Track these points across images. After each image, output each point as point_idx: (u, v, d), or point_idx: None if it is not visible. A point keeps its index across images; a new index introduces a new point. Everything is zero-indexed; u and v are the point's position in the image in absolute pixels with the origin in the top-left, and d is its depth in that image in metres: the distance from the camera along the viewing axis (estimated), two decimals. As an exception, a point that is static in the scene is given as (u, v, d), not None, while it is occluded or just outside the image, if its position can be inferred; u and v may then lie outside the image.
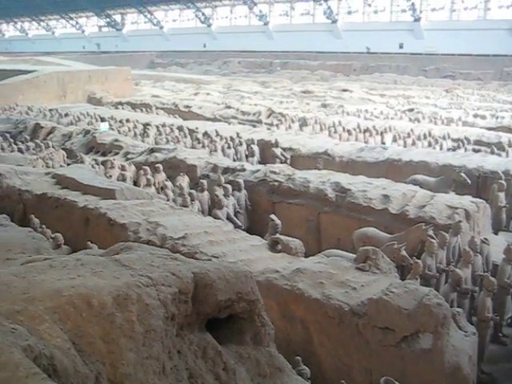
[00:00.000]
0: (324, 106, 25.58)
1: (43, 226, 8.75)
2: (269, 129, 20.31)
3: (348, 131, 19.06)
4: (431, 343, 5.75)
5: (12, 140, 18.47)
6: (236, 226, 10.17)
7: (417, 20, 48.02)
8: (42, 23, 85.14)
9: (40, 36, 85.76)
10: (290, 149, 16.19)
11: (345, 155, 14.99)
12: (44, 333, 2.43)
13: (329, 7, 53.21)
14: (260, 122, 22.49)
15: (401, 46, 48.02)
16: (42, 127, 20.14)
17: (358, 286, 6.60)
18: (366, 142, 17.81)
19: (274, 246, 7.99)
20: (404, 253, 8.05)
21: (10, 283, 2.78)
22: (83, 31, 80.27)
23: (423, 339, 5.83)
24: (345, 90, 30.49)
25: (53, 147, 16.40)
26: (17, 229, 5.88)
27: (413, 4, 47.69)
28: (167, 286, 2.86)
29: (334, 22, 53.43)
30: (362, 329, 6.10)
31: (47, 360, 2.27)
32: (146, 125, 20.49)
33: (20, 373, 1.94)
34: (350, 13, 54.22)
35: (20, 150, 16.33)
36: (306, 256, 7.94)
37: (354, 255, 7.43)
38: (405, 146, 16.87)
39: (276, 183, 11.93)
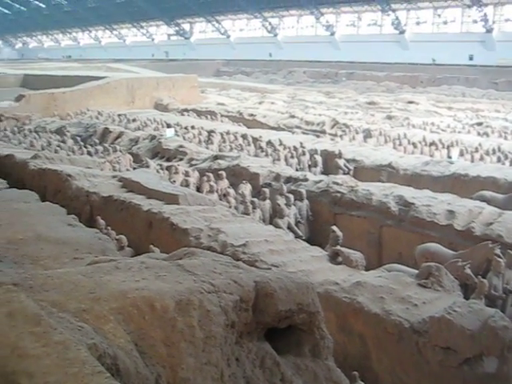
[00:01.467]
0: (389, 117, 25.21)
1: (108, 227, 8.99)
2: (332, 139, 20.19)
3: (413, 144, 18.71)
4: (496, 367, 5.53)
5: (82, 143, 19.14)
6: (297, 236, 10.13)
7: (489, 31, 46.68)
8: (114, 32, 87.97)
9: (112, 44, 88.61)
10: (354, 160, 16.02)
11: (409, 168, 14.70)
12: (108, 332, 2.49)
13: (397, 18, 52.54)
14: (324, 132, 22.39)
15: (471, 58, 46.70)
16: (111, 132, 20.76)
17: (419, 302, 6.44)
18: (431, 156, 17.41)
19: (334, 258, 7.91)
20: (469, 271, 7.80)
21: (77, 282, 2.86)
22: (153, 39, 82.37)
23: (487, 363, 5.61)
24: (411, 102, 29.94)
25: (120, 151, 16.87)
26: (84, 229, 6.06)
27: (485, 14, 46.39)
28: (229, 294, 2.87)
29: (402, 32, 52.69)
30: (422, 347, 5.94)
31: (111, 359, 2.32)
32: (210, 132, 20.77)
33: (86, 370, 1.99)
34: (418, 23, 53.32)
35: (89, 153, 16.89)
36: (367, 269, 7.82)
37: (416, 271, 7.26)
38: (472, 161, 16.37)
39: (338, 194, 11.83)
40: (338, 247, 8.13)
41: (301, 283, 3.30)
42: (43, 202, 7.34)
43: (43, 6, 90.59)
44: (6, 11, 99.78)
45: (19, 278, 2.97)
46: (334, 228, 8.94)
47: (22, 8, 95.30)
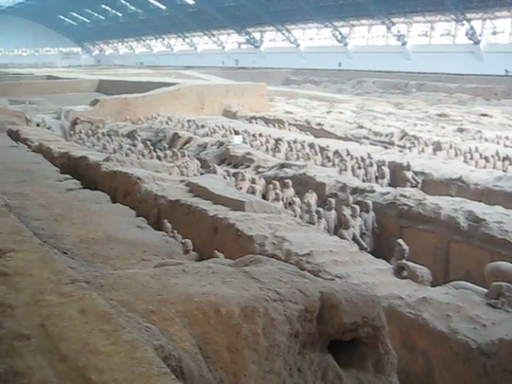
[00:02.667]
0: (460, 130, 24.50)
1: (175, 230, 9.15)
2: (401, 151, 19.83)
3: (485, 158, 18.11)
4: None
5: (152, 147, 19.62)
6: (361, 248, 10.00)
7: None
8: (186, 39, 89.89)
9: (183, 51, 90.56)
10: (422, 173, 15.67)
11: (480, 183, 14.22)
12: (174, 335, 2.53)
13: (471, 27, 51.12)
14: (392, 143, 22.03)
15: (550, 70, 44.91)
16: (180, 137, 21.19)
17: (488, 323, 6.20)
18: (504, 171, 16.78)
19: (399, 272, 7.75)
20: (542, 293, 7.46)
21: (146, 283, 2.93)
22: (223, 47, 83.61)
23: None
24: (484, 115, 28.99)
25: (188, 156, 17.18)
26: (152, 231, 6.18)
27: None
28: (294, 303, 2.86)
29: (477, 43, 51.20)
30: (490, 370, 5.70)
31: (176, 361, 2.36)
32: (277, 140, 20.84)
33: (152, 370, 2.03)
34: (494, 33, 51.65)
35: (158, 158, 17.29)
36: (433, 285, 7.61)
37: (486, 290, 7.00)
38: (549, 178, 15.69)
39: (405, 207, 11.59)
40: (404, 261, 7.96)
41: (367, 296, 3.25)
42: (114, 203, 7.54)
43: (120, 14, 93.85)
44: (86, 20, 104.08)
45: (91, 276, 3.06)
46: (400, 241, 8.76)
47: (101, 17, 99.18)
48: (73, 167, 11.33)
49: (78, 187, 8.11)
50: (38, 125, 20.76)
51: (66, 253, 4.59)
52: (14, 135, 13.58)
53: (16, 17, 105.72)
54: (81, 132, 24.34)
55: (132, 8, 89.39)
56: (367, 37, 64.82)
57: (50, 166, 9.36)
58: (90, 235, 5.26)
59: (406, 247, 8.55)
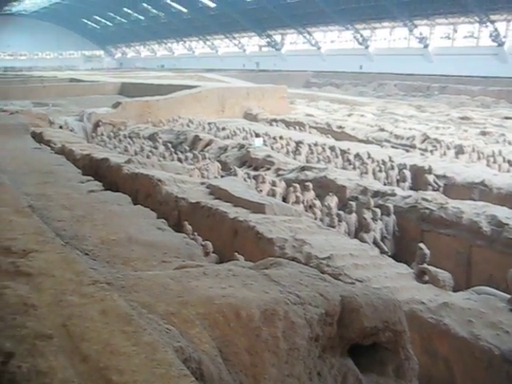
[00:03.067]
0: (483, 133, 24.21)
1: (195, 233, 9.17)
2: (422, 154, 19.65)
3: (509, 162, 17.87)
4: None
5: (173, 150, 19.74)
6: (382, 252, 9.93)
7: None
8: (207, 42, 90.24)
9: (205, 54, 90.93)
10: (444, 176, 15.52)
11: (504, 187, 14.04)
12: (194, 337, 2.54)
13: (495, 29, 50.52)
14: (414, 146, 21.85)
15: None
16: (201, 139, 21.27)
17: (511, 329, 6.12)
18: (529, 175, 16.58)
19: (420, 276, 7.67)
20: None
21: (166, 285, 2.94)
22: (244, 50, 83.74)
23: None
24: (508, 118, 28.64)
25: (209, 159, 17.24)
26: (173, 233, 6.21)
27: None
28: (314, 307, 2.85)
29: (501, 45, 50.57)
30: (513, 376, 5.64)
31: (195, 364, 2.36)
32: (298, 143, 20.81)
33: (173, 372, 2.03)
34: (519, 35, 50.99)
35: (179, 160, 17.37)
36: (454, 290, 7.53)
37: (509, 296, 6.91)
38: None
39: (427, 211, 11.49)
40: (425, 265, 7.89)
41: (388, 300, 3.23)
42: (135, 205, 7.59)
43: (142, 18, 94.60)
44: (109, 23, 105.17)
45: (112, 277, 3.08)
46: (422, 245, 8.68)
47: (123, 20, 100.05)
48: (95, 169, 11.43)
49: (100, 189, 8.17)
50: (60, 127, 21.00)
51: (87, 254, 4.63)
52: (38, 137, 13.74)
53: (41, 21, 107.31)
54: (103, 134, 24.56)
55: (154, 11, 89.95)
56: (389, 39, 64.40)
57: (72, 168, 9.45)
58: (111, 237, 5.30)
59: (427, 251, 8.48)
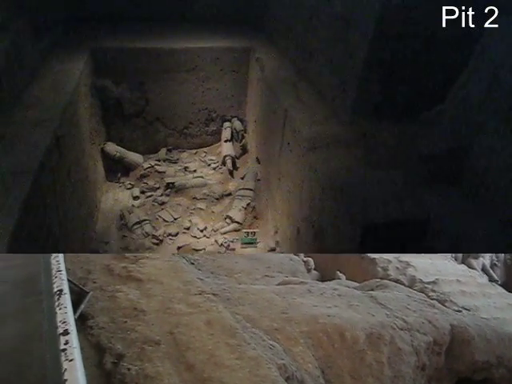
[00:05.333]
0: None
1: (297, 248, 9.14)
2: None
3: None
4: None
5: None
6: (491, 280, 9.41)
7: None
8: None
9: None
10: None
11: None
12: (297, 355, 2.51)
13: None
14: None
15: None
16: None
17: None
18: None
19: (535, 309, 7.20)
20: None
21: (271, 300, 2.94)
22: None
23: None
24: None
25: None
26: (276, 249, 6.24)
27: None
28: (422, 334, 2.74)
29: None
30: None
31: (298, 383, 2.33)
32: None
33: (275, 390, 2.02)
34: None
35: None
36: None
37: None
38: None
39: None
40: (541, 298, 7.39)
41: (502, 334, 3.03)
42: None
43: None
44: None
45: (218, 288, 3.13)
46: (537, 276, 8.15)
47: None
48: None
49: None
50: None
51: (193, 263, 4.74)
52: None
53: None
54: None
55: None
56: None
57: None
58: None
59: (543, 283, 7.94)
